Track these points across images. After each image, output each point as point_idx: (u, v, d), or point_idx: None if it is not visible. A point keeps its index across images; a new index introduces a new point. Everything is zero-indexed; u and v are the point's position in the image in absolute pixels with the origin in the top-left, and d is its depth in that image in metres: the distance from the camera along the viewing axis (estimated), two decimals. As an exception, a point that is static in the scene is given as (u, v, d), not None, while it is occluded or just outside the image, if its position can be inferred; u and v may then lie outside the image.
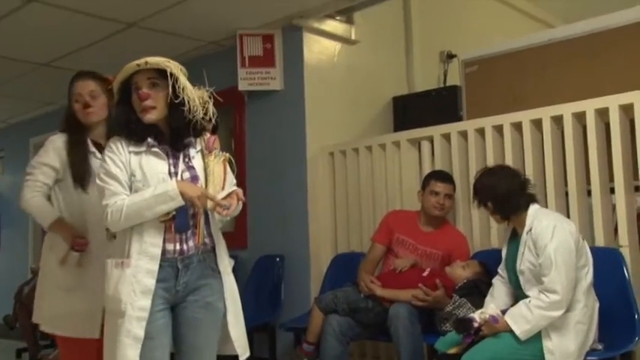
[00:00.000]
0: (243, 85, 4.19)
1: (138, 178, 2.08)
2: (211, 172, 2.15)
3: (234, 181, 2.23)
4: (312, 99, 4.10)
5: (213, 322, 2.15)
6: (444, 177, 3.33)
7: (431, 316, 3.04)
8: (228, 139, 4.40)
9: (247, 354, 2.24)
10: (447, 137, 3.55)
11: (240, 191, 2.14)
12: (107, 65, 4.60)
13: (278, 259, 4.05)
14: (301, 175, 4.05)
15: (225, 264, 2.21)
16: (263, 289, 4.00)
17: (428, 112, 4.17)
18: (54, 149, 2.66)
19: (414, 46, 4.70)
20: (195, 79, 4.45)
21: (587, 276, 2.52)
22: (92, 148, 2.58)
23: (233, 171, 2.23)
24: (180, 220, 2.07)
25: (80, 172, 2.54)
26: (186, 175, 2.13)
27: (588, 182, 3.04)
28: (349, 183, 3.99)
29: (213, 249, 2.17)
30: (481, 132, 3.38)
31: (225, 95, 4.28)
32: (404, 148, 3.76)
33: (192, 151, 2.17)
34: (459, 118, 3.92)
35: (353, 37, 4.35)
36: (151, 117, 2.09)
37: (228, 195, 2.11)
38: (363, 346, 3.83)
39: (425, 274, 3.12)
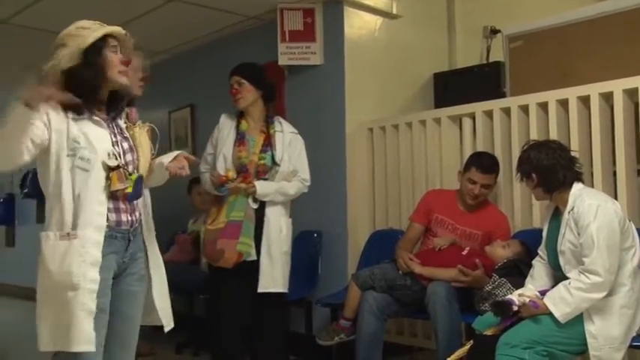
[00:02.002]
0: (283, 60, 4.17)
1: (83, 145, 2.00)
2: (140, 143, 2.16)
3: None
4: (352, 74, 4.06)
5: (144, 293, 2.18)
6: (486, 167, 3.16)
7: (469, 294, 3.01)
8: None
9: (172, 325, 2.25)
10: (489, 114, 3.47)
11: (184, 153, 2.20)
12: (148, 40, 4.66)
13: (315, 234, 4.05)
14: (340, 150, 4.03)
15: (152, 234, 2.24)
16: (300, 264, 3.99)
17: (469, 89, 4.07)
18: None
19: (456, 21, 4.59)
20: (235, 54, 4.50)
21: (634, 258, 2.44)
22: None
23: (156, 141, 2.25)
24: (138, 188, 2.08)
25: None
26: (125, 145, 2.12)
27: (638, 161, 2.94)
28: (388, 159, 3.95)
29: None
30: (525, 109, 3.29)
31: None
32: (444, 125, 3.69)
33: (121, 122, 2.17)
34: (502, 95, 3.82)
35: (394, 12, 4.27)
36: (125, 80, 2.10)
37: (175, 158, 2.17)
38: (400, 324, 3.83)
39: (464, 252, 3.08)
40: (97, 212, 2.00)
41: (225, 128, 3.21)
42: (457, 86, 4.24)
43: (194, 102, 5.19)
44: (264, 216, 3.10)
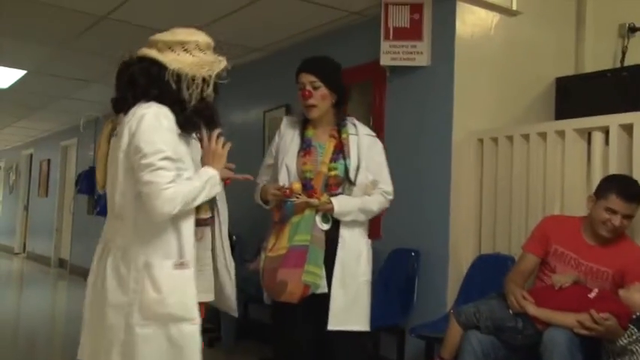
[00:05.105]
0: (385, 60, 3.81)
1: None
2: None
3: None
4: (463, 77, 3.63)
5: None
6: (631, 195, 2.66)
7: (596, 346, 2.52)
8: (366, 117, 4.06)
9: None
10: (627, 129, 2.94)
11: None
12: (242, 37, 4.44)
13: (413, 253, 3.67)
14: (445, 162, 3.61)
15: None
16: (394, 285, 3.65)
17: (600, 98, 3.53)
18: None
19: (586, 17, 4.04)
20: (334, 52, 4.17)
21: None
22: None
23: None
24: None
25: None
26: None
27: None
28: (499, 175, 3.49)
29: None
30: (677, 125, 2.74)
31: (365, 70, 4.02)
32: (569, 140, 3.18)
33: None
34: (644, 106, 3.26)
35: (514, 7, 3.79)
36: None
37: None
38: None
39: (591, 295, 2.58)
40: (192, 241, 1.97)
41: (288, 134, 2.68)
42: (584, 93, 3.71)
43: (289, 102, 4.94)
44: (339, 237, 2.55)
